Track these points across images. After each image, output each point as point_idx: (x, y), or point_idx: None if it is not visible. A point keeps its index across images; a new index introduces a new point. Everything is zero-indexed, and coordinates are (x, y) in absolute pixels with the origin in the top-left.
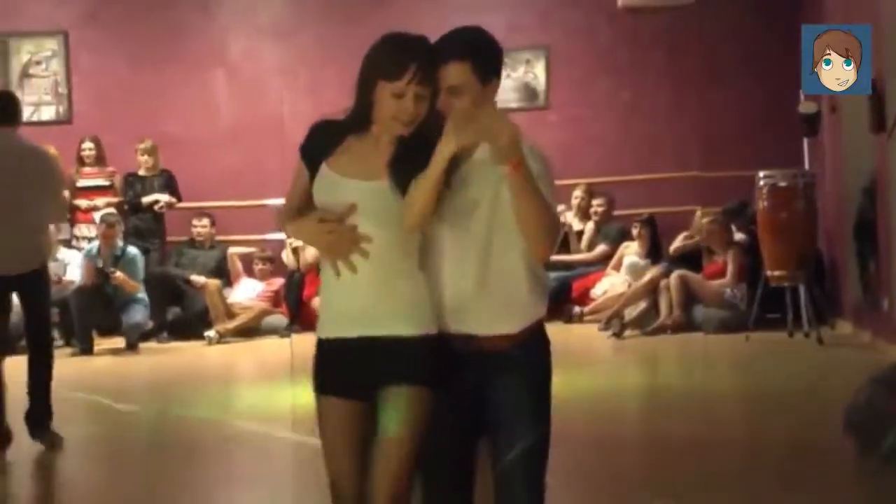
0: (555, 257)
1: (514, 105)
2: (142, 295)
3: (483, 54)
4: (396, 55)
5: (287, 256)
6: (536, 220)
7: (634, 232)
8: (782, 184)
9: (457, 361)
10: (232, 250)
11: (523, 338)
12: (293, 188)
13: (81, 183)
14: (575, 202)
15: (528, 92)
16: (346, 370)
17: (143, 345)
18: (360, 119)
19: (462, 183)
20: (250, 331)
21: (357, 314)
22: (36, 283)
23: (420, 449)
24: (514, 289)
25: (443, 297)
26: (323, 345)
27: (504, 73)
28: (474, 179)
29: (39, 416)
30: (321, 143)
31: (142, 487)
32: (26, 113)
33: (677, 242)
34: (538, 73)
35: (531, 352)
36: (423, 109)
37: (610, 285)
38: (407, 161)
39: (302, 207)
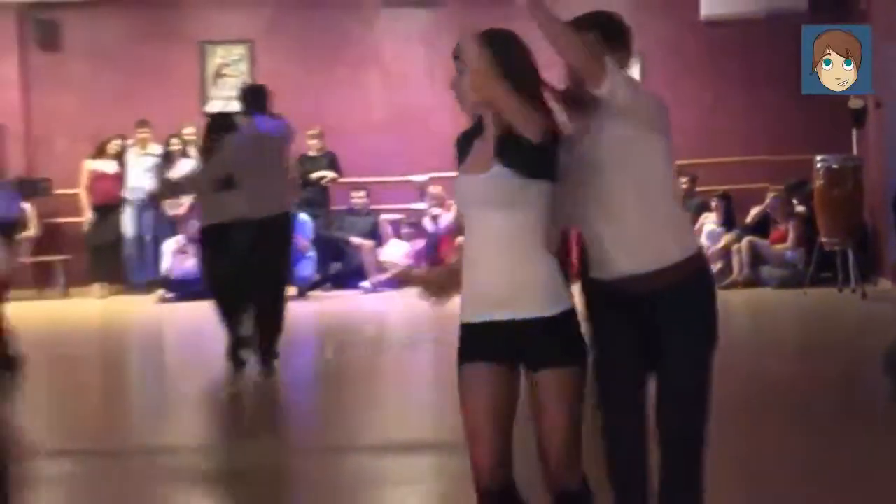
0: None
1: None
2: (311, 253)
3: (607, 26)
4: None
5: (427, 223)
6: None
7: (713, 205)
8: (835, 166)
9: (628, 301)
10: (383, 217)
11: (688, 270)
12: None
13: None
14: None
15: None
16: (490, 343)
17: (310, 293)
18: (476, 121)
19: (591, 140)
20: (397, 282)
21: (492, 299)
22: (285, 224)
23: (580, 421)
24: (665, 224)
25: (602, 244)
26: (464, 329)
27: None
28: (601, 135)
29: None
30: (459, 152)
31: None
32: (219, 105)
33: (753, 216)
34: (634, 75)
35: (697, 283)
36: (466, 81)
37: None
38: (509, 145)
39: None
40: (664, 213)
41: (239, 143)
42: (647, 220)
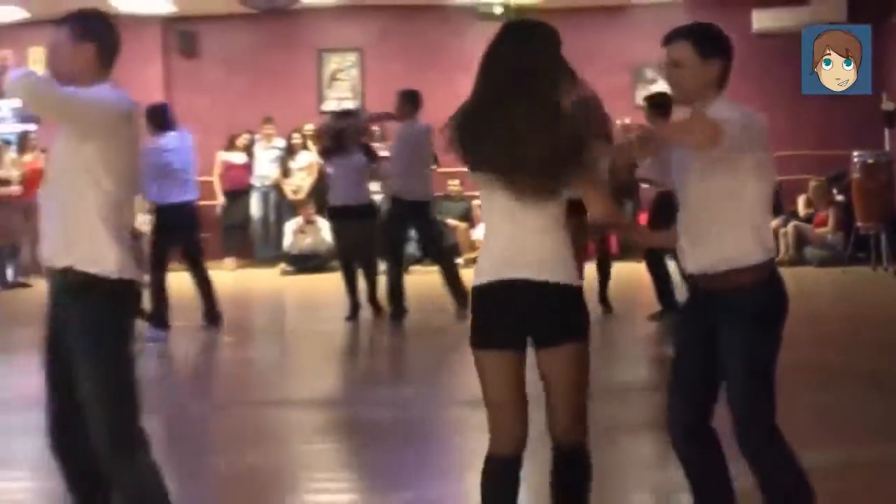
0: None
1: None
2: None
3: (702, 36)
4: None
5: None
6: (671, 138)
7: None
8: (870, 161)
9: (700, 294)
10: (475, 202)
11: (753, 275)
12: None
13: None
14: None
15: (666, 97)
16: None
17: (412, 268)
18: None
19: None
20: None
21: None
22: (425, 209)
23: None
24: (727, 234)
25: (681, 237)
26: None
27: None
28: (685, 159)
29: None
30: None
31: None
32: (332, 104)
33: (801, 206)
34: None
35: (757, 289)
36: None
37: None
38: None
39: None
40: (731, 223)
41: (403, 137)
42: (712, 226)
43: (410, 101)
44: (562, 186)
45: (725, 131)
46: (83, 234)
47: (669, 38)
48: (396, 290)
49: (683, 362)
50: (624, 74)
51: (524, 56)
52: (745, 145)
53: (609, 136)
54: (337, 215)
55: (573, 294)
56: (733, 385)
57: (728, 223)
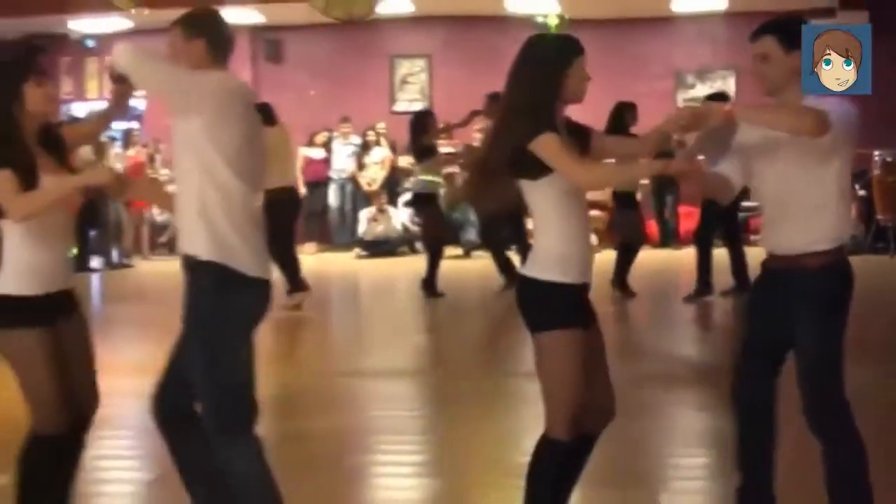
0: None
1: None
2: (473, 218)
3: (785, 29)
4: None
5: None
6: (777, 123)
7: None
8: (889, 159)
9: (775, 272)
10: None
11: (820, 260)
12: None
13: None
14: None
15: (724, 97)
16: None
17: (473, 253)
18: None
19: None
20: None
21: (588, 264)
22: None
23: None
24: (802, 218)
25: (767, 226)
26: (570, 289)
27: (707, 84)
28: (772, 142)
29: None
30: None
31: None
32: (403, 105)
33: None
34: (730, 85)
35: (828, 273)
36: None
37: None
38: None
39: None
40: (807, 208)
41: None
42: (789, 211)
43: (498, 102)
44: (500, 177)
45: (833, 122)
46: (185, 216)
47: (755, 35)
48: (506, 263)
49: (752, 326)
50: (667, 80)
51: (516, 65)
52: (839, 136)
53: (628, 132)
54: (417, 202)
55: (537, 287)
56: (801, 362)
57: (804, 209)
